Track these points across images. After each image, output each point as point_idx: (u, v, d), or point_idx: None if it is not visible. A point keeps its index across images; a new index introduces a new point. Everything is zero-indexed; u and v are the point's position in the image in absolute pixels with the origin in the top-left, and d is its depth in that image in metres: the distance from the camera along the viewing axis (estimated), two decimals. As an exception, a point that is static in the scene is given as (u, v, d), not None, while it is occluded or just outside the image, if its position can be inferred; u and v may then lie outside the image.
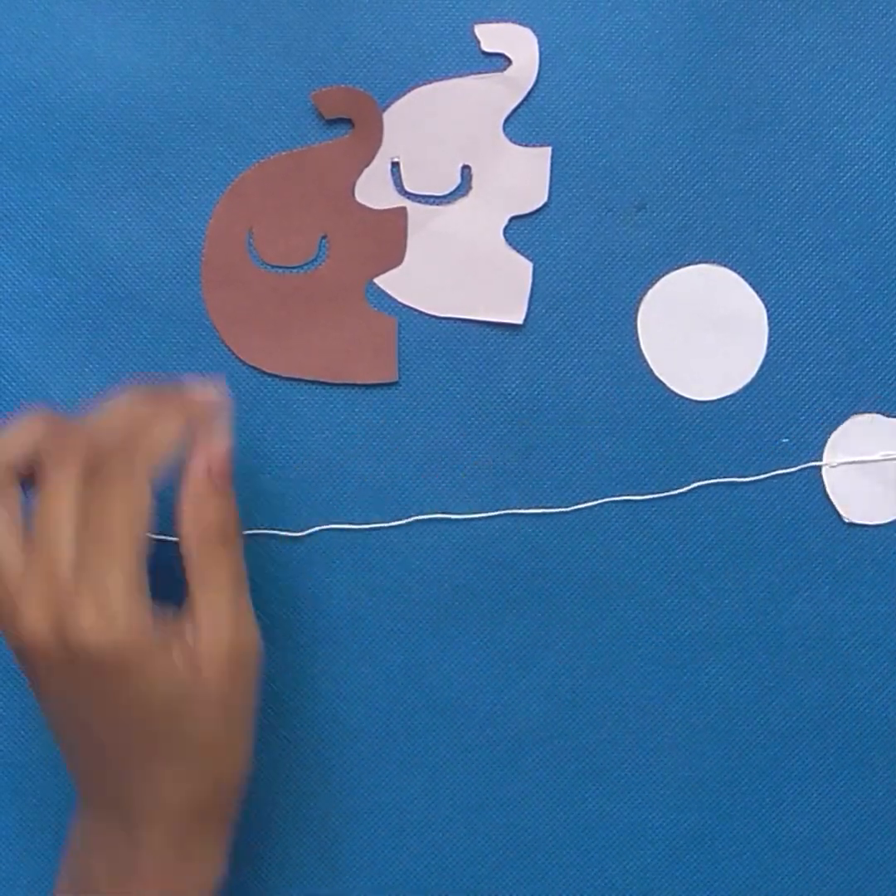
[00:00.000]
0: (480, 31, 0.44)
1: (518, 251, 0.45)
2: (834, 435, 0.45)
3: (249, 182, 0.44)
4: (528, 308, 0.45)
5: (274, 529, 0.46)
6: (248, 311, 0.45)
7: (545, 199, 0.45)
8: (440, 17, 0.45)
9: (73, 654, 0.35)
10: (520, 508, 0.46)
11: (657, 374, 0.46)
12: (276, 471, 0.46)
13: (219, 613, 0.37)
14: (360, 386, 0.46)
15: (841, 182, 0.45)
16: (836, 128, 0.45)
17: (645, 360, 0.46)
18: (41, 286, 0.46)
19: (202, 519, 0.37)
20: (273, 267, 0.44)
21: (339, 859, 0.46)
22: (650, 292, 0.46)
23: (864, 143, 0.45)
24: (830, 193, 0.45)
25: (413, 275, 0.45)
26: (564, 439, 0.46)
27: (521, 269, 0.45)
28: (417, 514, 0.46)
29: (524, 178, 0.45)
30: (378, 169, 0.44)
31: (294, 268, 0.44)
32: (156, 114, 0.45)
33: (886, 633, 0.45)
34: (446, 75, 0.45)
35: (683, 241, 0.45)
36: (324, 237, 0.44)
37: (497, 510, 0.46)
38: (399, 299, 0.45)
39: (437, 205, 0.45)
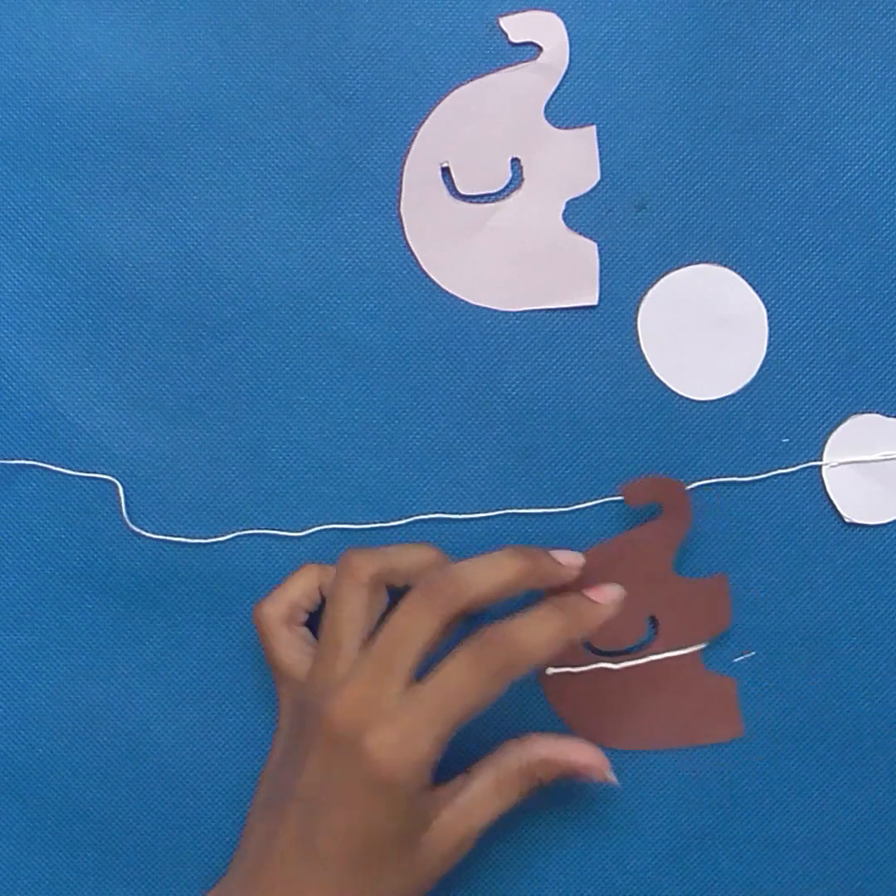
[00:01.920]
0: (506, 22, 0.45)
1: (580, 233, 0.45)
2: (834, 435, 0.45)
3: (590, 562, 0.44)
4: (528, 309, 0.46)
5: (274, 529, 0.46)
6: (585, 695, 0.45)
7: (598, 177, 0.45)
8: (452, 18, 0.45)
9: (354, 749, 0.37)
10: (520, 508, 0.46)
11: (657, 374, 0.46)
12: (276, 471, 0.46)
13: (473, 819, 0.40)
14: (360, 385, 0.46)
15: (841, 182, 0.45)
16: (836, 128, 0.45)
17: (645, 360, 0.46)
18: (41, 286, 0.46)
19: (520, 764, 0.41)
20: (606, 652, 0.45)
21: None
22: (650, 292, 0.46)
23: (864, 143, 0.45)
24: (831, 193, 0.45)
25: (481, 275, 0.45)
26: (564, 439, 0.46)
27: (587, 250, 0.45)
28: (417, 514, 0.46)
29: (574, 160, 0.45)
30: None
31: (629, 649, 0.45)
32: (156, 114, 0.45)
33: (886, 633, 0.45)
34: (480, 73, 0.45)
35: (683, 242, 0.45)
36: (651, 617, 0.45)
37: (497, 510, 0.46)
38: (472, 301, 0.45)
39: (493, 202, 0.45)
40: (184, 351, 0.46)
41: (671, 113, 0.45)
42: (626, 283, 0.45)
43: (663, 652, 0.45)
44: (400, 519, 0.45)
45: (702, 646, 0.45)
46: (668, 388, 0.46)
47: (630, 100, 0.45)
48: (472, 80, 0.45)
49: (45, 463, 0.45)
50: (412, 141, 0.45)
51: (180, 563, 0.46)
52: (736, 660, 0.44)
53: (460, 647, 0.38)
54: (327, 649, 0.40)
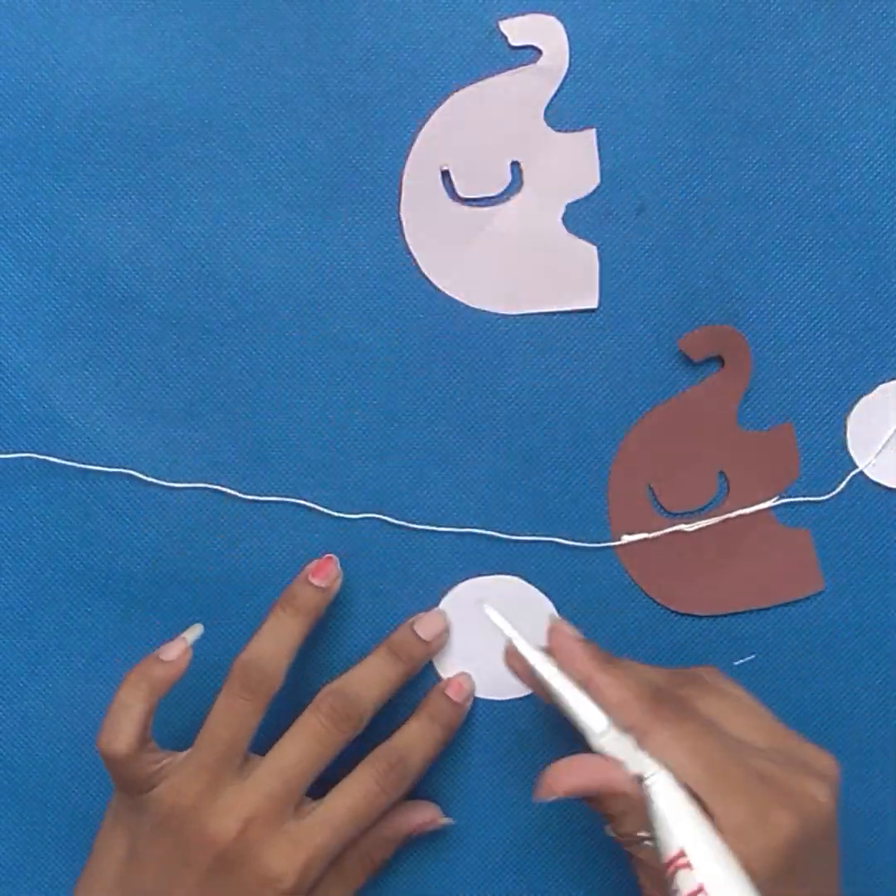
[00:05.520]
0: (506, 26, 0.45)
1: (580, 237, 0.45)
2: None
3: (636, 438, 0.45)
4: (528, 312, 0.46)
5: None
6: (661, 560, 0.45)
7: (597, 181, 0.45)
8: (452, 21, 0.45)
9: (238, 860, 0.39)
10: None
11: (657, 377, 0.46)
12: (275, 475, 0.46)
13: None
14: (360, 388, 0.46)
15: (841, 185, 0.45)
16: (835, 131, 0.45)
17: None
18: (41, 289, 0.46)
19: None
20: (679, 514, 0.45)
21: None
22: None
23: (863, 147, 0.45)
24: (830, 196, 0.45)
25: (481, 278, 0.45)
26: (565, 443, 0.46)
27: (587, 254, 0.45)
28: (417, 517, 0.46)
29: (573, 163, 0.45)
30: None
31: (701, 508, 0.45)
32: (156, 117, 0.45)
33: (887, 637, 0.45)
34: (479, 76, 0.45)
35: (684, 245, 0.45)
36: (721, 472, 0.45)
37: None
38: (472, 305, 0.45)
39: (493, 205, 0.45)
40: (183, 354, 0.46)
41: (671, 116, 0.45)
42: (626, 286, 0.45)
43: (736, 509, 0.45)
44: (400, 519, 0.46)
45: (774, 500, 0.45)
46: (668, 392, 0.46)
47: (630, 103, 0.45)
48: (471, 83, 0.45)
49: (46, 455, 0.46)
50: (412, 144, 0.45)
51: (179, 567, 0.46)
52: (737, 663, 0.44)
53: (360, 769, 0.41)
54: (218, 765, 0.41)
